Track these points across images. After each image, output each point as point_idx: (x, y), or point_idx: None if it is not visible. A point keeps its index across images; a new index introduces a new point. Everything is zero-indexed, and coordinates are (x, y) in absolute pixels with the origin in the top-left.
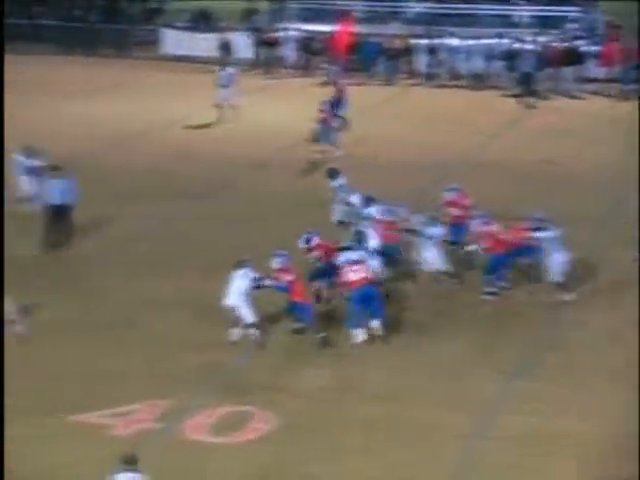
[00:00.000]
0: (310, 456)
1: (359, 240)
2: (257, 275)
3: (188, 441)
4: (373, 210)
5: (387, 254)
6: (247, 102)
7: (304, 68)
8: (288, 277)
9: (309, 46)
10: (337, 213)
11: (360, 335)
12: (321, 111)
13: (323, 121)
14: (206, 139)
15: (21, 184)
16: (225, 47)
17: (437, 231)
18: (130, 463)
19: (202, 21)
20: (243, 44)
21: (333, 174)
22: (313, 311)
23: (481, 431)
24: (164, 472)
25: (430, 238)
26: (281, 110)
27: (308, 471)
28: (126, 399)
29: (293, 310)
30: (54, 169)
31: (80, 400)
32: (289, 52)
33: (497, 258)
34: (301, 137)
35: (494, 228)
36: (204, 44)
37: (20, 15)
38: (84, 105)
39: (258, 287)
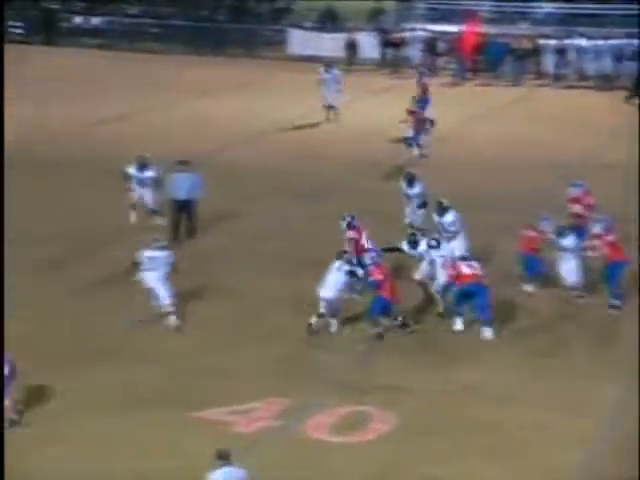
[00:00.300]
0: (430, 457)
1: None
2: (350, 268)
3: (308, 440)
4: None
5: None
6: (373, 102)
7: (430, 68)
8: (379, 275)
9: (435, 46)
10: (412, 217)
11: (459, 324)
12: (411, 112)
13: (415, 122)
14: (328, 138)
15: (133, 196)
16: (351, 47)
17: (570, 242)
18: (224, 458)
19: (329, 21)
20: (369, 44)
21: (410, 179)
22: (391, 309)
23: (605, 436)
24: (285, 470)
25: (566, 250)
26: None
27: (427, 472)
28: (247, 396)
29: (376, 305)
30: (182, 164)
31: (203, 396)
32: (415, 52)
33: (616, 265)
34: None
35: (612, 235)
36: (331, 44)
37: (150, 15)
38: (212, 104)
39: (352, 275)
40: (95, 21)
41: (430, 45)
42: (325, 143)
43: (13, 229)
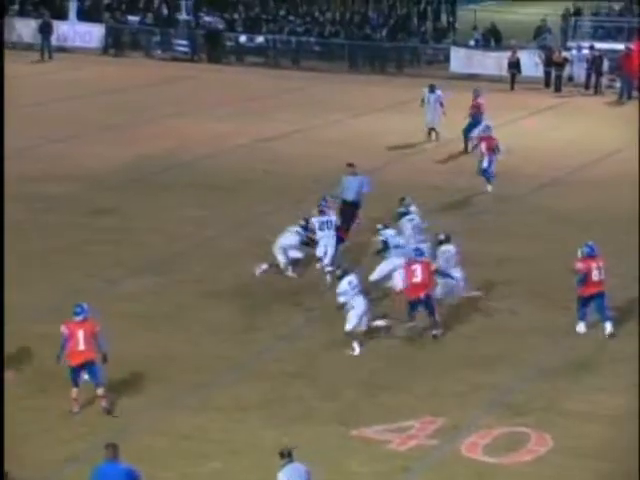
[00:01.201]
0: None
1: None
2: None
3: (463, 459)
4: None
5: None
6: (535, 120)
7: (594, 87)
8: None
9: (600, 65)
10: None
11: (582, 327)
12: (482, 139)
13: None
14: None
15: None
16: (515, 65)
17: None
18: (286, 456)
19: (492, 39)
20: (532, 62)
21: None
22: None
23: None
24: None
25: None
26: (569, 129)
27: None
28: (404, 414)
29: None
30: (351, 166)
31: (360, 413)
32: (579, 70)
33: None
34: (591, 156)
35: None
36: (493, 62)
37: (314, 34)
38: (372, 122)
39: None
40: (259, 39)
41: (595, 63)
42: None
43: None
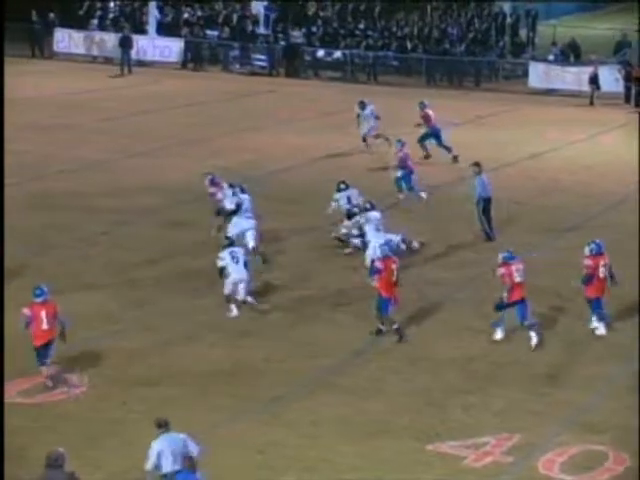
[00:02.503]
0: None
1: None
2: None
3: (540, 477)
4: None
5: None
6: (614, 136)
7: None
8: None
9: None
10: None
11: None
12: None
13: None
14: (563, 170)
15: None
16: (594, 80)
17: None
18: (163, 426)
19: (571, 54)
20: (612, 78)
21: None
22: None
23: None
24: None
25: None
26: None
27: None
28: (480, 431)
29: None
30: (477, 165)
31: (436, 428)
32: None
33: None
34: None
35: None
36: (573, 77)
37: (391, 49)
38: (448, 136)
39: None
40: (337, 54)
41: None
42: (558, 176)
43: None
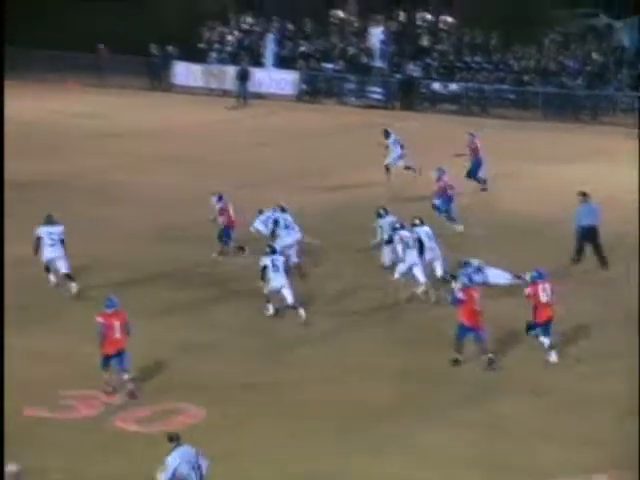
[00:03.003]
0: None
1: None
2: None
3: None
4: None
5: None
6: None
7: None
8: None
9: None
10: None
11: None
12: None
13: None
14: None
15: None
16: None
17: None
18: (175, 439)
19: None
20: None
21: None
22: None
23: None
24: None
25: None
26: None
27: None
28: (595, 467)
29: None
30: (583, 195)
31: (543, 463)
32: None
33: None
34: None
35: None
36: None
37: (507, 82)
38: (562, 170)
39: None
40: (452, 87)
41: None
42: None
43: None
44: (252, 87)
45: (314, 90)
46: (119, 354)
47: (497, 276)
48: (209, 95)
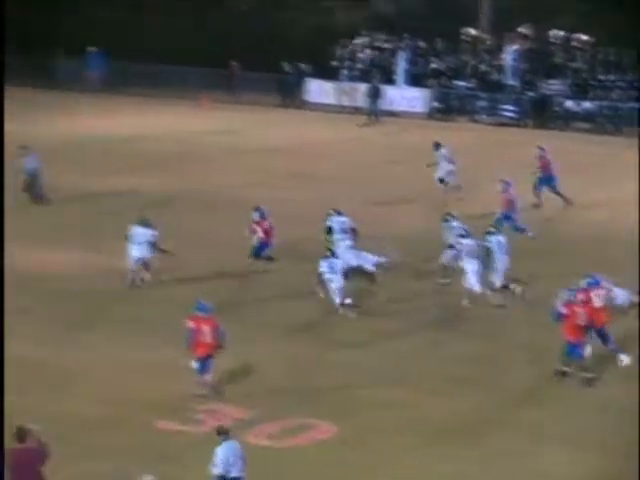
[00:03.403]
0: None
1: None
2: None
3: None
4: None
5: None
6: None
7: None
8: None
9: None
10: None
11: None
12: None
13: None
14: None
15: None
16: None
17: None
18: (223, 433)
19: None
20: None
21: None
22: None
23: None
24: None
25: None
26: None
27: None
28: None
29: None
30: None
31: None
32: None
33: None
34: None
35: None
36: None
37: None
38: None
39: None
40: (586, 105)
41: None
42: None
43: None
44: (383, 105)
45: (446, 108)
46: (208, 358)
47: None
48: (341, 112)
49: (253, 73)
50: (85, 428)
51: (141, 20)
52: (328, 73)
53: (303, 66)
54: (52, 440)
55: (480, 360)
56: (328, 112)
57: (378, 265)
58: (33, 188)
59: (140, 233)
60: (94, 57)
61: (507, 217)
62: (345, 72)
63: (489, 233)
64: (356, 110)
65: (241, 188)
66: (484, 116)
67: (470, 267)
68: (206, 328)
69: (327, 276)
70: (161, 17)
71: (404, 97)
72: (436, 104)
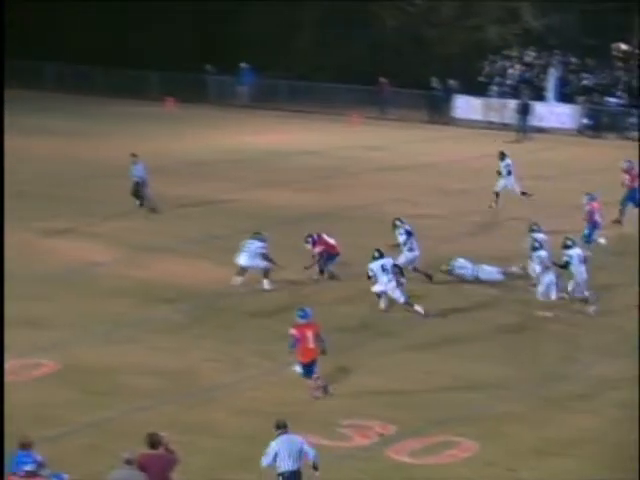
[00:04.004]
0: None
1: None
2: None
3: None
4: None
5: None
6: None
7: None
8: None
9: None
10: None
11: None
12: None
13: None
14: None
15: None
16: None
17: None
18: (281, 427)
19: None
20: None
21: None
22: None
23: None
24: None
25: None
26: None
27: None
28: None
29: None
30: None
31: None
32: None
33: None
34: None
35: None
36: None
37: None
38: None
39: None
40: None
41: None
42: None
43: None
44: (532, 121)
45: (595, 124)
46: (312, 363)
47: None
48: (488, 128)
49: (401, 89)
50: (226, 439)
51: (290, 36)
52: (477, 89)
53: (451, 82)
54: (195, 449)
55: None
56: (475, 128)
57: None
58: (140, 194)
59: (251, 243)
60: (245, 72)
61: (587, 230)
62: (494, 88)
63: (566, 247)
64: (504, 126)
65: (387, 204)
66: (635, 133)
67: (547, 279)
68: (309, 334)
69: (379, 278)
70: (311, 33)
71: (553, 113)
72: (585, 120)
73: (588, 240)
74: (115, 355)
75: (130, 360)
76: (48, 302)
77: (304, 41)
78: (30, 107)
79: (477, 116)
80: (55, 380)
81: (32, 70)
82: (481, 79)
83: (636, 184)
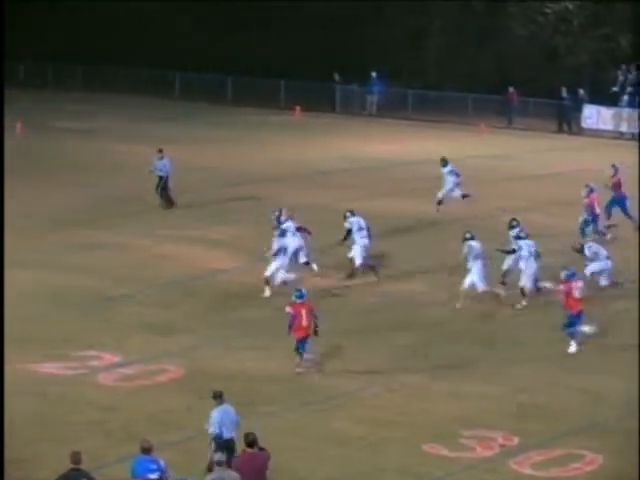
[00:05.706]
0: None
1: None
2: None
3: None
4: None
5: None
6: None
7: None
8: None
9: None
10: None
11: None
12: None
13: None
14: None
15: None
16: None
17: None
18: (218, 397)
19: None
20: None
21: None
22: None
23: None
24: None
25: None
26: None
27: None
28: None
29: None
30: None
31: None
32: None
33: None
34: None
35: None
36: None
37: None
38: None
39: None
40: None
41: None
42: None
43: None
44: None
45: None
46: (306, 338)
47: None
48: (619, 139)
49: (530, 99)
50: (345, 447)
51: (418, 45)
52: (607, 99)
53: (581, 92)
54: (316, 457)
55: None
56: (605, 138)
57: None
58: (163, 190)
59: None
60: (375, 81)
61: (592, 220)
62: (626, 98)
63: (518, 238)
64: (634, 137)
65: (514, 213)
66: None
67: (529, 269)
68: (304, 312)
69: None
70: (439, 41)
71: None
72: None
73: (583, 232)
74: (250, 361)
75: (259, 366)
76: (174, 308)
77: (432, 50)
78: (160, 115)
79: (606, 126)
80: (178, 385)
81: (161, 79)
82: (613, 89)
83: (619, 191)
